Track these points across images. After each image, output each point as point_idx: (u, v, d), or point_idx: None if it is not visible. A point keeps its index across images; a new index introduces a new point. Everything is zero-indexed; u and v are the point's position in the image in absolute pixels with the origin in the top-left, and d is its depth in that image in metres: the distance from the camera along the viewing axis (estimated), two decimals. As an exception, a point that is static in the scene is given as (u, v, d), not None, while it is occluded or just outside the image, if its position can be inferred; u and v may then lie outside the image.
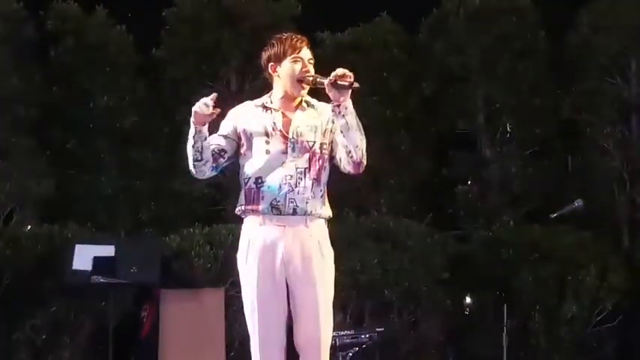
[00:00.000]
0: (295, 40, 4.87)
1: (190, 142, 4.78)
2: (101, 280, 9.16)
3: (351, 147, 4.75)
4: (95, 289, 9.58)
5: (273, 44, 4.89)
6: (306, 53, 4.86)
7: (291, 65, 4.82)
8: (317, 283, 4.74)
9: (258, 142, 4.77)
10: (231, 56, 12.92)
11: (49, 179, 12.19)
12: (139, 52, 13.10)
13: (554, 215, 7.29)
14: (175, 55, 13.08)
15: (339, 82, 4.66)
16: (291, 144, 4.76)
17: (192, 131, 4.75)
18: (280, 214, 4.71)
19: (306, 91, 4.87)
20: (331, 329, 4.83)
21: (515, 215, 12.98)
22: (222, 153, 4.85)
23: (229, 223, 10.40)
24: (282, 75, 4.85)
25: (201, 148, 4.78)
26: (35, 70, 12.63)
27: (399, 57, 13.40)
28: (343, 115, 4.71)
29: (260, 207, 4.72)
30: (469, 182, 13.22)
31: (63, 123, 12.66)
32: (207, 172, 4.88)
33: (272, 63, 4.88)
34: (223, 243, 10.35)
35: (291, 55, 4.83)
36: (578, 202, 7.19)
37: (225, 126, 4.91)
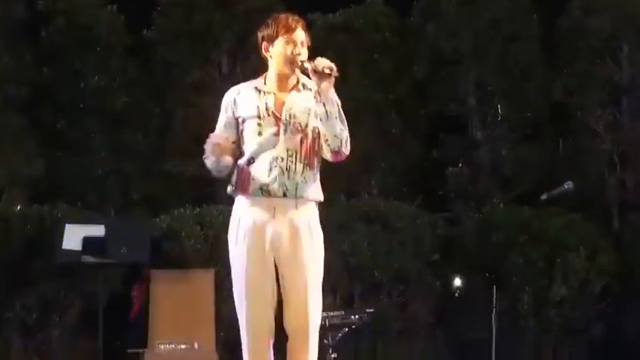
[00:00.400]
0: (290, 20, 4.83)
1: (216, 167, 4.76)
2: (91, 260, 9.16)
3: (329, 136, 4.72)
4: (85, 268, 9.60)
5: (268, 24, 4.85)
6: (299, 34, 4.81)
7: (283, 46, 4.78)
8: (306, 265, 4.74)
9: (251, 124, 4.77)
10: (222, 38, 12.89)
11: (38, 159, 12.15)
12: (130, 32, 13.04)
13: (544, 197, 7.30)
14: (167, 37, 13.02)
15: (318, 71, 4.62)
16: (284, 125, 4.75)
17: (215, 160, 4.73)
18: (270, 196, 4.71)
19: (298, 72, 4.83)
20: (320, 312, 4.86)
21: (505, 198, 13.00)
22: (234, 145, 4.83)
23: (220, 205, 10.39)
24: (274, 55, 4.82)
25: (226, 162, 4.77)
26: (26, 50, 12.57)
27: (391, 40, 13.36)
28: (323, 104, 4.67)
29: (250, 188, 4.73)
30: (460, 165, 13.22)
31: (53, 103, 12.62)
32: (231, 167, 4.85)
33: (265, 43, 4.85)
34: (214, 224, 10.36)
35: (283, 35, 4.79)
36: (568, 184, 7.22)
37: (224, 116, 4.91)
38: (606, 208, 12.92)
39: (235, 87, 4.90)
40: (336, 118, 4.70)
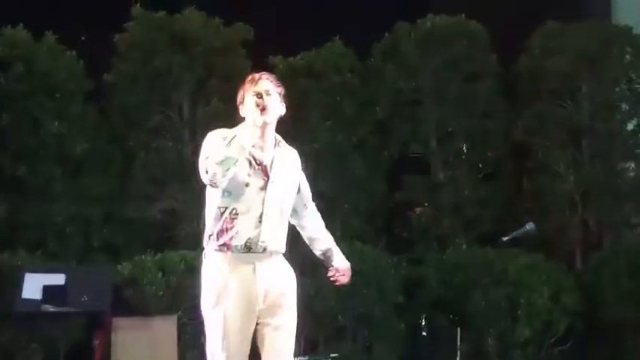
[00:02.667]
0: (255, 75, 4.88)
1: (237, 155, 4.65)
2: (51, 309, 9.05)
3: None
4: (46, 317, 9.48)
5: (239, 88, 4.90)
6: (262, 84, 4.81)
7: (250, 98, 4.77)
8: (289, 312, 4.85)
9: (241, 173, 4.71)
10: (183, 81, 12.85)
11: (-2, 206, 12.03)
12: (90, 77, 12.99)
13: (506, 239, 7.30)
14: (126, 81, 12.98)
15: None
16: (272, 182, 4.77)
17: (242, 146, 4.69)
18: (249, 251, 4.72)
19: (272, 125, 4.81)
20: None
21: (467, 238, 13.01)
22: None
23: (181, 250, 10.32)
24: (247, 111, 4.79)
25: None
26: (-16, 97, 12.47)
27: (352, 81, 13.40)
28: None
29: (232, 242, 4.71)
30: (424, 205, 13.24)
31: (13, 150, 12.50)
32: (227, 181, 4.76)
33: (240, 105, 4.87)
34: (175, 270, 10.26)
35: (248, 90, 4.81)
36: (530, 225, 7.20)
37: (225, 141, 4.76)
38: (568, 247, 12.97)
39: (219, 130, 4.84)
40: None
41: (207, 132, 4.82)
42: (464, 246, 12.71)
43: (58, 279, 9.17)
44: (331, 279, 5.13)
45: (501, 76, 13.73)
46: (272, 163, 4.79)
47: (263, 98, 4.74)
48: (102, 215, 12.62)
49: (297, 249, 10.62)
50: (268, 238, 4.73)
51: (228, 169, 4.60)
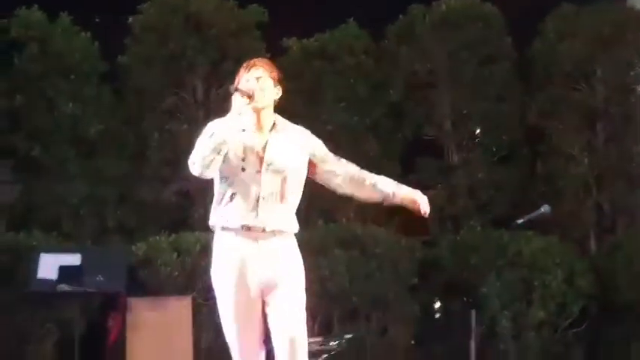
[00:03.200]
0: (250, 61, 5.01)
1: (218, 145, 4.70)
2: (66, 289, 9.09)
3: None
4: (61, 298, 9.52)
5: (237, 74, 5.02)
6: (255, 72, 4.93)
7: (243, 84, 4.88)
8: (293, 292, 4.87)
9: (235, 160, 4.82)
10: (196, 63, 12.85)
11: (12, 186, 12.07)
12: (104, 59, 13.01)
13: (521, 221, 7.29)
14: (141, 63, 12.99)
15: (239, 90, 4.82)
16: (266, 165, 4.84)
17: (222, 137, 4.71)
18: (251, 231, 4.81)
19: (268, 109, 4.93)
20: (305, 335, 4.91)
21: (482, 221, 13.00)
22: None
23: (196, 231, 10.34)
24: (235, 96, 4.87)
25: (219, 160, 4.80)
26: (-1, 78, 12.51)
27: (366, 63, 13.37)
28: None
29: (232, 224, 4.82)
30: (437, 188, 13.23)
31: (27, 131, 12.54)
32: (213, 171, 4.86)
33: (235, 87, 4.92)
34: (190, 251, 10.31)
35: (242, 76, 4.95)
36: (545, 208, 7.20)
37: (218, 131, 4.81)
38: (582, 230, 12.95)
39: (217, 120, 4.89)
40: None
41: (222, 114, 4.88)
42: (478, 228, 12.71)
43: (74, 259, 9.21)
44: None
45: (516, 59, 13.68)
46: (266, 146, 4.87)
47: (249, 86, 4.83)
48: (116, 196, 12.66)
49: (311, 230, 10.70)
50: (266, 218, 4.80)
51: (211, 161, 4.71)
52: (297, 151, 4.97)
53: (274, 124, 4.96)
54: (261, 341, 4.89)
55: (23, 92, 12.60)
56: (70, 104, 12.60)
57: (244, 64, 5.00)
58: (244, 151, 4.84)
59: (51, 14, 12.84)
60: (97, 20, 13.34)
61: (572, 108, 13.17)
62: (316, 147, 5.06)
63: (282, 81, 5.03)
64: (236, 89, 4.81)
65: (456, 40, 13.41)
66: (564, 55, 13.10)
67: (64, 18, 12.88)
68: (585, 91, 13.21)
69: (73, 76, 12.72)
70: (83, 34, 12.91)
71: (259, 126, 4.92)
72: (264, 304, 4.87)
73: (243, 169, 4.82)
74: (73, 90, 12.68)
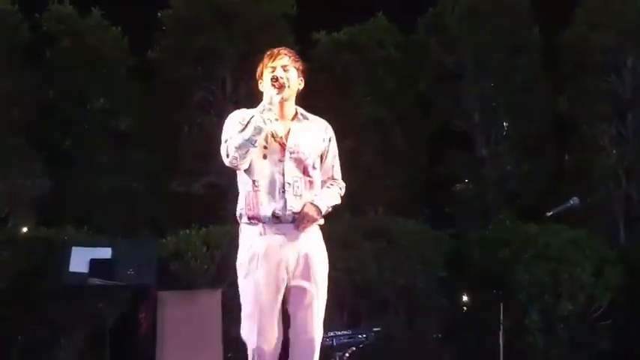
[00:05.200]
0: (274, 50, 5.02)
1: (253, 136, 4.74)
2: (98, 283, 9.16)
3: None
4: (92, 291, 9.59)
5: (260, 62, 5.04)
6: (281, 60, 4.97)
7: (267, 74, 4.92)
8: (316, 289, 4.91)
9: (257, 148, 4.83)
10: (226, 56, 12.91)
11: (44, 180, 12.18)
12: (135, 53, 13.10)
13: (551, 213, 7.27)
14: (170, 56, 13.06)
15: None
16: (289, 153, 4.87)
17: (258, 127, 4.75)
18: (280, 222, 4.83)
19: (290, 100, 4.97)
20: (322, 329, 4.98)
21: (510, 213, 12.98)
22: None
23: (226, 224, 10.39)
24: (265, 85, 4.94)
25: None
26: (31, 72, 12.62)
27: (395, 56, 13.39)
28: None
29: (260, 214, 4.83)
30: (465, 181, 13.22)
31: (59, 124, 12.66)
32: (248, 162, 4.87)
33: (259, 80, 5.02)
34: (220, 244, 10.33)
35: (267, 65, 4.98)
36: (574, 200, 7.16)
37: (238, 128, 4.89)
38: (612, 222, 12.90)
39: (239, 111, 4.94)
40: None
41: (251, 107, 4.91)
42: (507, 221, 12.69)
43: (105, 253, 9.26)
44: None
45: (544, 49, 13.64)
46: (288, 134, 4.91)
47: (279, 75, 4.86)
48: (147, 190, 12.75)
49: (339, 222, 10.72)
50: (296, 208, 4.83)
51: (247, 152, 4.76)
52: (318, 139, 5.01)
53: (296, 113, 5.01)
54: (280, 331, 4.89)
55: (55, 86, 12.73)
56: (101, 98, 12.71)
57: (268, 53, 5.02)
58: (266, 139, 4.85)
59: (82, 9, 12.95)
60: (127, 15, 13.39)
61: (602, 99, 13.11)
62: (330, 146, 5.08)
63: (305, 72, 5.06)
64: (273, 78, 4.82)
65: (484, 31, 13.39)
66: (594, 45, 13.03)
67: (95, 13, 13.02)
68: (615, 81, 13.14)
69: (104, 70, 12.83)
70: (114, 28, 13.03)
71: (282, 115, 4.95)
72: (285, 294, 4.90)
73: (265, 157, 4.84)
74: (104, 84, 12.79)
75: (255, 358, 4.88)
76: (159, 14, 13.08)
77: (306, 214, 4.82)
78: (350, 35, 13.40)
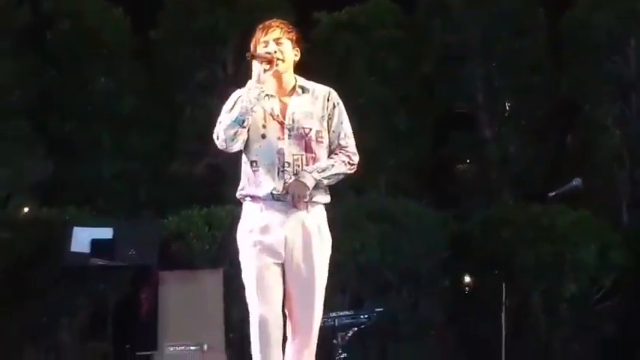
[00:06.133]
0: (265, 23, 4.85)
1: (241, 117, 4.65)
2: (99, 263, 9.15)
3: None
4: (93, 271, 9.59)
5: (252, 36, 4.88)
6: (273, 34, 4.80)
7: (260, 49, 4.78)
8: (316, 268, 4.79)
9: (255, 127, 4.74)
10: (227, 37, 12.85)
11: (46, 163, 12.16)
12: (136, 34, 13.05)
13: (553, 194, 7.23)
14: (172, 37, 13.02)
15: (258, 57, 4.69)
16: (287, 130, 4.75)
17: (245, 107, 4.64)
18: (280, 200, 4.72)
19: (288, 72, 4.82)
20: (322, 308, 4.87)
21: (514, 194, 12.95)
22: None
23: (228, 205, 10.37)
24: (253, 62, 4.78)
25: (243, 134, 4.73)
26: (31, 54, 12.56)
27: (397, 36, 13.32)
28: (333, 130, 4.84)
29: (260, 193, 4.74)
30: (468, 162, 13.19)
31: (60, 107, 12.62)
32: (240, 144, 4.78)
33: (252, 53, 4.82)
34: (222, 224, 10.33)
35: (259, 39, 4.81)
36: (577, 181, 7.12)
37: (239, 102, 4.74)
38: (615, 203, 12.87)
39: (238, 90, 4.85)
40: (331, 181, 4.81)
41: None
42: (510, 202, 12.67)
43: (106, 233, 9.26)
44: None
45: (549, 31, 13.57)
46: (285, 110, 4.78)
47: (267, 50, 4.73)
48: (149, 171, 12.73)
49: (342, 203, 10.69)
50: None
51: (236, 133, 4.65)
52: (319, 109, 4.82)
53: (294, 86, 4.86)
54: (280, 309, 4.79)
55: (56, 69, 12.68)
56: (103, 80, 12.66)
57: (260, 26, 4.85)
58: (264, 117, 4.75)
59: (83, -11, 12.90)
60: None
61: (606, 79, 13.05)
62: (334, 112, 4.85)
63: (300, 42, 4.90)
64: (253, 55, 4.71)
65: (488, 12, 13.31)
66: (597, 26, 12.95)
67: (96, -7, 12.94)
68: (619, 62, 13.08)
69: (105, 52, 12.78)
70: (115, 9, 12.96)
71: (280, 90, 4.82)
72: (285, 276, 4.78)
73: (264, 136, 4.73)
74: (106, 66, 12.75)
75: (260, 327, 4.74)
76: (160, -5, 13.03)
77: (292, 192, 4.67)
78: (350, 15, 13.32)
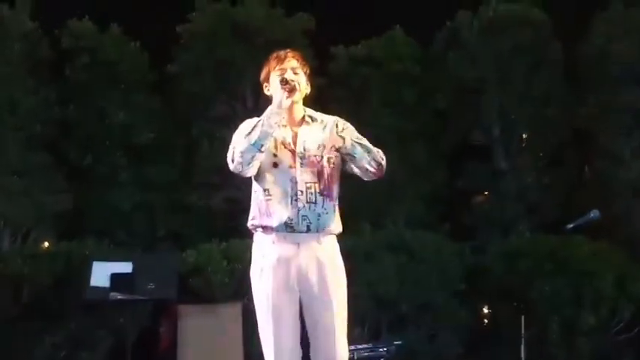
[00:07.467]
0: (280, 53, 4.86)
1: (260, 141, 4.59)
2: (119, 297, 9.18)
3: (364, 169, 4.75)
4: (113, 305, 9.61)
5: (264, 65, 4.90)
6: (289, 63, 4.81)
7: (275, 77, 4.78)
8: (332, 299, 4.72)
9: (267, 156, 4.71)
10: (245, 71, 12.93)
11: (66, 195, 12.24)
12: (154, 68, 13.17)
13: (571, 226, 7.23)
14: (190, 71, 13.12)
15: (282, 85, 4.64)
16: (299, 158, 4.72)
17: (265, 132, 4.59)
18: (294, 231, 4.67)
19: (299, 103, 4.82)
20: (346, 342, 4.79)
21: (531, 226, 12.95)
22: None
23: (246, 238, 10.40)
24: (272, 90, 4.81)
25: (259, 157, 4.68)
26: (51, 88, 12.70)
27: (413, 69, 13.41)
28: (343, 137, 4.71)
29: (272, 223, 4.69)
30: (485, 193, 13.20)
31: (79, 140, 12.74)
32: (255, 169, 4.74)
33: (265, 83, 4.88)
34: (240, 258, 10.33)
35: (274, 68, 4.81)
36: (594, 213, 7.11)
37: (259, 126, 4.68)
38: (633, 234, 12.83)
39: (249, 120, 4.85)
40: (362, 153, 4.71)
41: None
42: (527, 233, 12.66)
43: (126, 267, 9.29)
44: None
45: (564, 62, 13.61)
46: (296, 139, 4.74)
47: (289, 77, 4.70)
48: (167, 204, 12.80)
49: (359, 234, 10.70)
50: (308, 216, 4.67)
51: (252, 157, 4.61)
52: (328, 136, 4.76)
53: (304, 117, 4.84)
54: (298, 344, 4.73)
55: (75, 102, 12.81)
56: (121, 113, 12.78)
57: (275, 55, 4.85)
58: (276, 146, 4.72)
59: (101, 24, 13.03)
60: (145, 30, 13.46)
61: (622, 110, 13.05)
62: (345, 133, 4.74)
63: (311, 76, 4.91)
64: (283, 80, 4.66)
65: (503, 46, 13.37)
66: (613, 57, 12.98)
67: (114, 28, 13.08)
68: (635, 93, 13.08)
69: (123, 85, 12.91)
70: (133, 43, 13.09)
71: (291, 119, 4.80)
72: (302, 310, 4.74)
73: (276, 165, 4.70)
74: (124, 99, 12.86)
75: None
76: (177, 29, 13.12)
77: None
78: (367, 49, 13.41)
